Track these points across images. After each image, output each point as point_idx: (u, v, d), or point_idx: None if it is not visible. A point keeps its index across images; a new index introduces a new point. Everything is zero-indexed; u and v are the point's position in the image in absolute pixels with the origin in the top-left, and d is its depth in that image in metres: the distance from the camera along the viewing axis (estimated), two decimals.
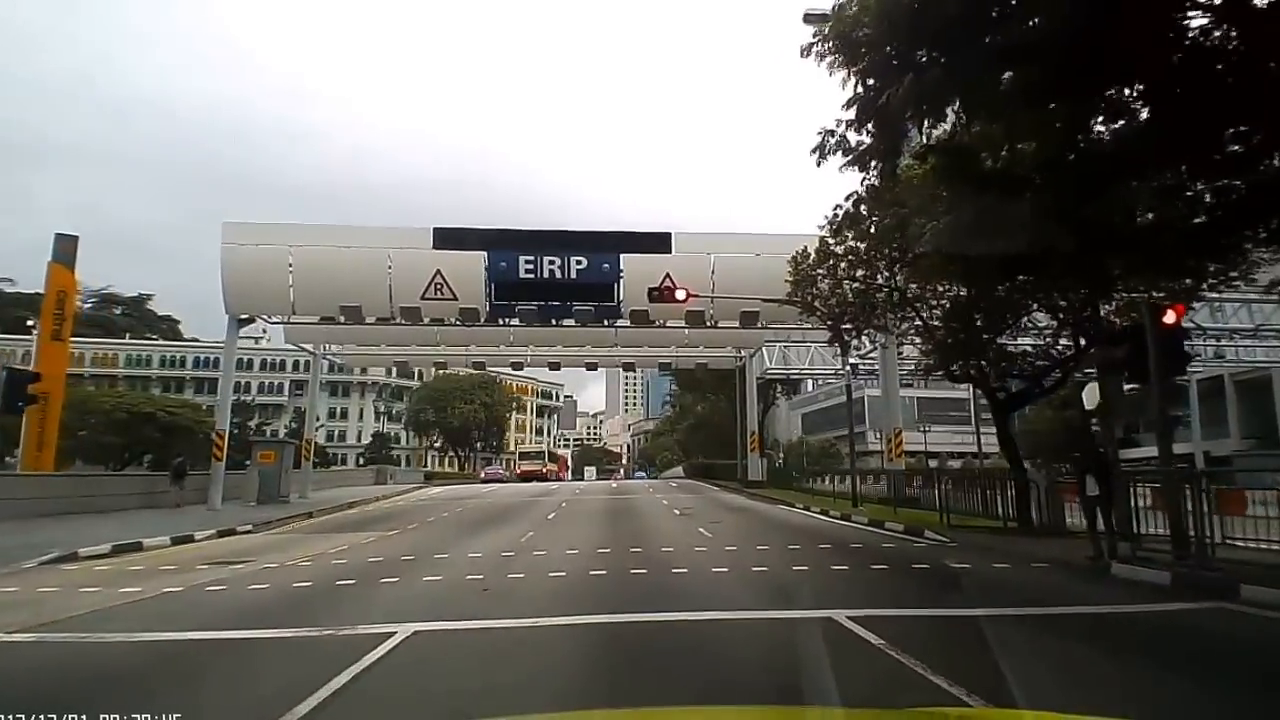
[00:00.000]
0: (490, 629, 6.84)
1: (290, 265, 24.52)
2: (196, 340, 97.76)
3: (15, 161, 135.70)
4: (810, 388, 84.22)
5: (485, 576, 9.77)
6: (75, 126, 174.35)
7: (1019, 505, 14.90)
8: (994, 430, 65.05)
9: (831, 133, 10.46)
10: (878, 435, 65.31)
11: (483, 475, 63.51)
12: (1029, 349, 16.61)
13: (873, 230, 13.40)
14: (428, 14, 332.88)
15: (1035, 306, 15.20)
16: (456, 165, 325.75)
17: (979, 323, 15.51)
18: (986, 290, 14.33)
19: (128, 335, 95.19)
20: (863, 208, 12.25)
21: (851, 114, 10.08)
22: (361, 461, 77.87)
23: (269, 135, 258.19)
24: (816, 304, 18.04)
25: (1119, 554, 10.11)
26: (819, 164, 10.68)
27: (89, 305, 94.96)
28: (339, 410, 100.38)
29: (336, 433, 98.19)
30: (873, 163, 11.11)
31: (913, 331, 18.56)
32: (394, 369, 54.68)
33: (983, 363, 15.76)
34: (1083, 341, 15.34)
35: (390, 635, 6.55)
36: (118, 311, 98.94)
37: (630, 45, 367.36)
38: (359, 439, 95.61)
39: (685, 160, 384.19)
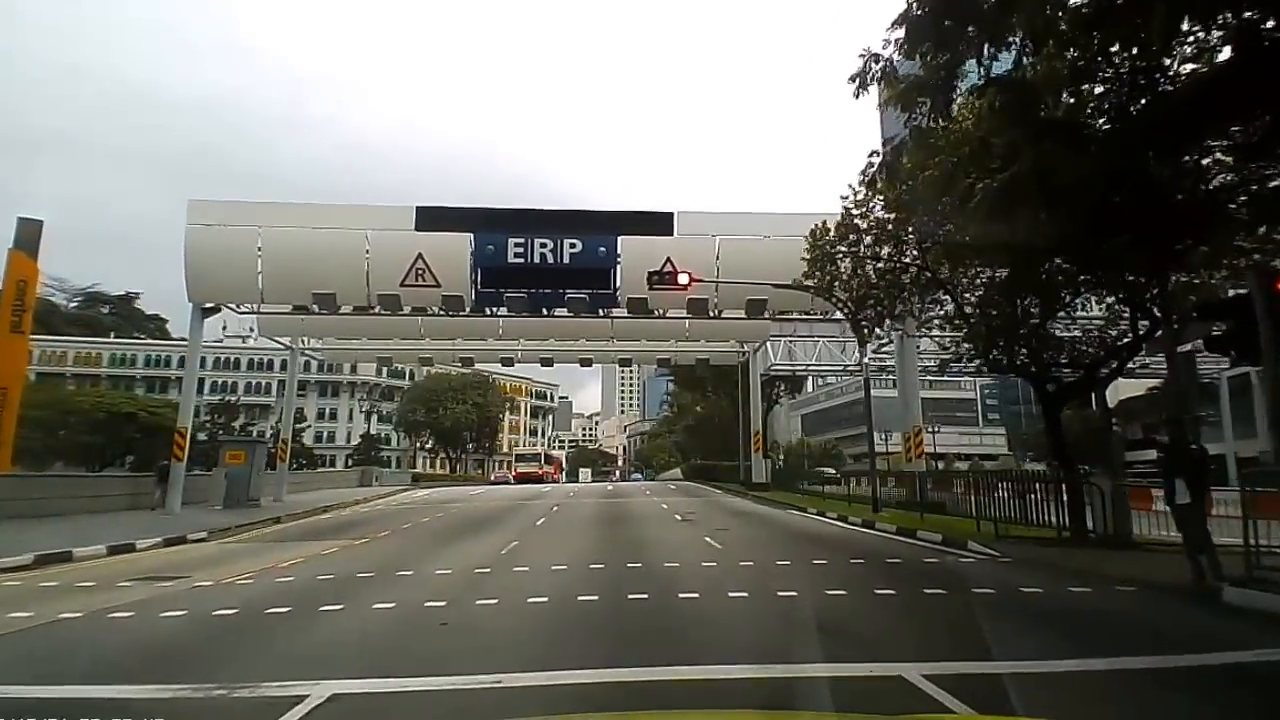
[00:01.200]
0: (431, 694, 4.89)
1: (259, 248, 22.55)
2: (184, 340, 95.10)
3: (6, 154, 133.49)
4: (810, 388, 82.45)
5: (449, 604, 7.83)
6: (70, 119, 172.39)
7: (1072, 512, 13.02)
8: (999, 431, 63.68)
9: (876, 57, 8.59)
10: (883, 437, 63.66)
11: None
12: (1079, 335, 14.74)
13: (912, 185, 11.41)
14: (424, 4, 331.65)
15: (1092, 285, 13.30)
16: (458, 161, 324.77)
17: (1024, 304, 13.62)
18: (1036, 264, 12.45)
19: (112, 334, 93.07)
20: (904, 157, 10.38)
21: (901, 33, 8.20)
22: (351, 463, 75.85)
23: (269, 128, 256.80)
24: (836, 286, 16.14)
25: (1225, 574, 8.20)
26: (858, 94, 8.83)
27: (75, 304, 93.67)
28: (328, 411, 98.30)
29: (326, 433, 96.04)
30: (920, 99, 9.23)
31: (941, 318, 16.66)
32: (378, 365, 52.31)
33: (1025, 350, 13.85)
34: (1142, 325, 13.48)
35: (297, 702, 4.67)
36: (104, 310, 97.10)
37: (633, 26, 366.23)
38: (349, 440, 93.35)
39: (688, 153, 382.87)
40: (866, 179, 10.88)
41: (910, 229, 14.53)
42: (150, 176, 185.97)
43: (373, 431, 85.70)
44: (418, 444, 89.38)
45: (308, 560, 12.43)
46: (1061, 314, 14.39)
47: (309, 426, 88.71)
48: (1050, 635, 6.27)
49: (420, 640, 6.30)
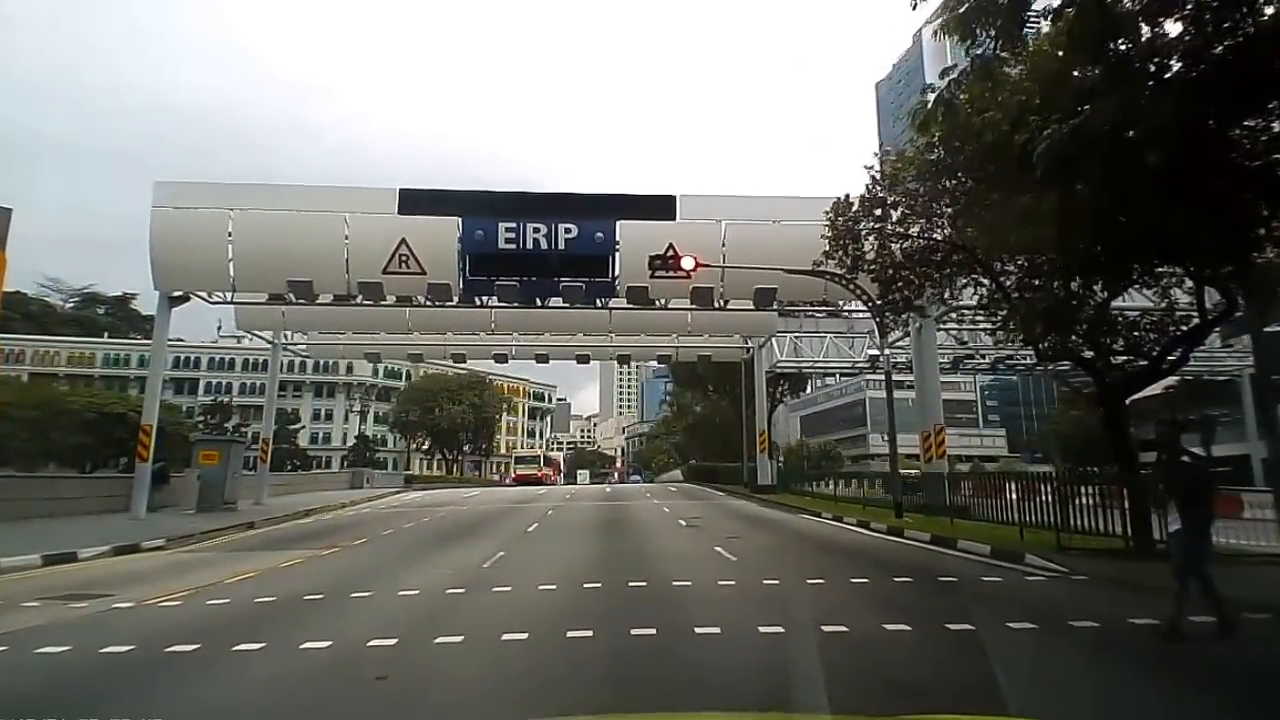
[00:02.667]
0: None
1: (229, 233, 20.83)
2: (181, 340, 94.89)
3: (7, 159, 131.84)
4: (809, 389, 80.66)
5: (400, 642, 6.10)
6: (70, 124, 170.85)
7: (1136, 519, 11.32)
8: (999, 433, 61.97)
9: None
10: (885, 438, 61.88)
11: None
12: (1137, 318, 13.05)
13: (974, 123, 9.61)
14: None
15: (1160, 261, 11.59)
16: (458, 165, 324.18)
17: (1081, 282, 11.91)
18: (1101, 235, 10.77)
19: (106, 334, 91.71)
20: (962, 93, 8.66)
21: None
22: (346, 464, 74.28)
23: (269, 134, 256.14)
24: (860, 266, 14.46)
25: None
26: (915, 5, 7.21)
27: (71, 304, 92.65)
28: (324, 411, 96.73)
29: (321, 434, 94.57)
30: (985, 20, 7.58)
31: (977, 303, 14.99)
32: (367, 361, 50.53)
33: (1084, 336, 12.14)
34: (1212, 308, 11.81)
35: None
36: (101, 311, 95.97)
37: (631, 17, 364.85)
38: (345, 441, 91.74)
39: (689, 148, 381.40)
40: (919, 121, 9.16)
41: (946, 203, 12.87)
42: (151, 181, 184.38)
43: (368, 433, 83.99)
44: (413, 445, 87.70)
45: (260, 574, 10.76)
46: (1149, 284, 12.62)
47: (303, 428, 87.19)
48: (1231, 699, 4.57)
49: (342, 707, 4.58)
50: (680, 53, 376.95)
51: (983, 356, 36.00)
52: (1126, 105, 9.11)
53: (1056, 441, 51.70)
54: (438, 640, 6.10)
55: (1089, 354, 12.78)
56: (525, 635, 6.20)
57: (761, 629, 6.16)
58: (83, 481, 25.56)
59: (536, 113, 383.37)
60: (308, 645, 6.06)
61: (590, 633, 6.25)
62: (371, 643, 6.08)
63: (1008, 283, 13.69)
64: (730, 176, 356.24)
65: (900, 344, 27.41)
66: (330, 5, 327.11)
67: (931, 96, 8.64)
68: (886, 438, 57.82)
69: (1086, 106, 8.94)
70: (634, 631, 6.25)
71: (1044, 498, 13.39)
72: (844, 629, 6.17)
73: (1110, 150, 9.64)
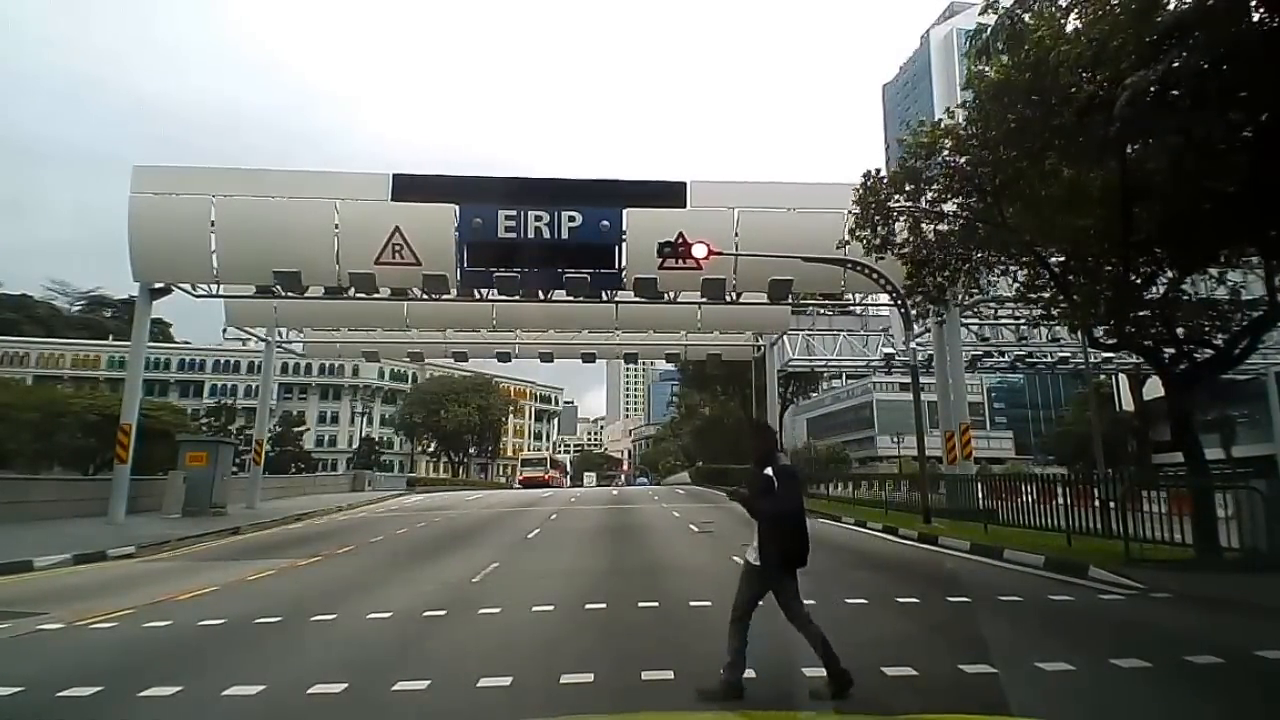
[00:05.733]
0: None
1: (212, 221, 19.65)
2: (188, 343, 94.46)
3: (16, 164, 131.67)
4: (820, 390, 79.22)
5: (348, 689, 4.81)
6: (82, 129, 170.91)
7: (1201, 524, 10.03)
8: (1006, 435, 60.37)
9: None
10: (894, 440, 60.43)
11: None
12: (1199, 301, 11.73)
13: (1048, 56, 8.19)
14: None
15: (1241, 236, 10.25)
16: (458, 164, 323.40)
17: (1146, 260, 10.59)
18: (1176, 204, 9.48)
19: (110, 336, 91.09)
20: (1027, 14, 7.23)
21: None
22: (351, 467, 73.32)
23: (282, 142, 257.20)
24: (889, 246, 13.16)
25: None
26: None
27: (78, 307, 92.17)
28: (330, 415, 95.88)
29: (327, 437, 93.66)
30: None
31: (1018, 287, 13.67)
32: (365, 360, 49.27)
33: (1156, 321, 10.78)
34: None
35: None
36: (107, 314, 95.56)
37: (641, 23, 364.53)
38: (350, 444, 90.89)
39: (694, 153, 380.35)
40: (977, 49, 7.83)
41: (988, 173, 11.56)
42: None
43: (373, 435, 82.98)
44: (419, 448, 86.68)
45: (221, 589, 9.53)
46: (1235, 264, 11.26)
47: (309, 430, 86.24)
48: None
49: None
50: (685, 54, 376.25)
51: (1002, 354, 34.62)
52: (1217, 45, 7.84)
53: (1072, 442, 50.26)
54: (397, 687, 4.80)
55: (1148, 342, 11.49)
56: (508, 680, 4.88)
57: (809, 671, 4.85)
58: (64, 484, 24.43)
59: (540, 114, 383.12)
60: (233, 691, 4.78)
61: (591, 677, 4.94)
62: (314, 689, 4.79)
63: (1054, 263, 12.42)
64: (734, 178, 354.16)
65: (919, 340, 26.11)
66: (337, 4, 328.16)
67: (992, 20, 7.30)
68: (895, 439, 56.22)
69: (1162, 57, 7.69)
70: (646, 675, 4.95)
71: (1095, 502, 12.04)
72: (912, 672, 4.87)
73: (1195, 101, 8.37)
